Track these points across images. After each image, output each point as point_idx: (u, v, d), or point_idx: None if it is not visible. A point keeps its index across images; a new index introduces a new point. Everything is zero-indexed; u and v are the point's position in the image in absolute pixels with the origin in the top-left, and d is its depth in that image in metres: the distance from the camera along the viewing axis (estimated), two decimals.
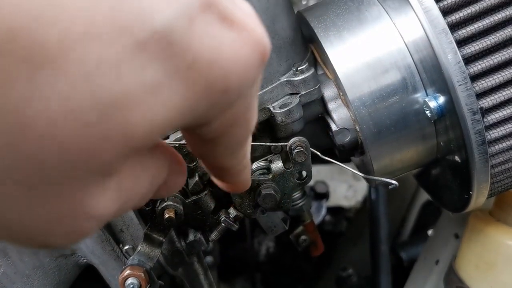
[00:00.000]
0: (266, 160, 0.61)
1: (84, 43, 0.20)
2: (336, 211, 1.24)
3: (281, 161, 0.59)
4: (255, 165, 0.61)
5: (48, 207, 0.23)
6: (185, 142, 0.54)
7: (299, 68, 0.58)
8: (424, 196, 1.17)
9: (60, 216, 0.23)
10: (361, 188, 1.31)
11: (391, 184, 0.56)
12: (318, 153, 0.60)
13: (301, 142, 0.57)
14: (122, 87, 0.21)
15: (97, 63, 0.20)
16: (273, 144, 0.59)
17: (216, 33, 0.23)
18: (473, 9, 0.52)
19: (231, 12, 0.24)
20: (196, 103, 0.24)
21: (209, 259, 1.03)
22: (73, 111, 0.20)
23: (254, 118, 0.30)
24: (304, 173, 0.60)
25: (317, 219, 1.12)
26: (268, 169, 0.60)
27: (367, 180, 0.66)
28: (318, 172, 1.26)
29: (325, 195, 1.15)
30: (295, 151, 0.57)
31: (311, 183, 1.18)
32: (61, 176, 0.22)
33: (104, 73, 0.20)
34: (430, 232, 1.07)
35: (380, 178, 0.59)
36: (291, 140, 0.57)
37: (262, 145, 0.60)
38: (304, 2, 1.08)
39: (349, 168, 0.60)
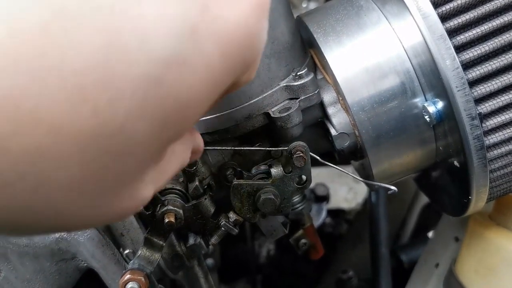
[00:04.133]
0: (265, 164, 0.61)
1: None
2: (336, 214, 1.24)
3: (281, 166, 0.59)
4: (254, 170, 0.61)
5: (115, 198, 0.27)
6: None
7: (298, 73, 0.58)
8: (424, 198, 1.17)
9: (121, 206, 0.28)
10: (361, 190, 1.32)
11: (390, 189, 0.56)
12: (318, 158, 0.60)
13: (300, 147, 0.58)
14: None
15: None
16: (273, 149, 0.59)
17: (229, 8, 0.28)
18: (471, 15, 0.52)
19: None
20: (229, 69, 0.29)
21: (209, 261, 1.03)
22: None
23: None
24: (303, 177, 0.61)
25: (317, 222, 1.12)
26: (267, 174, 0.60)
27: (367, 184, 0.66)
28: (318, 175, 1.26)
29: (325, 198, 1.15)
30: (295, 156, 0.57)
31: (311, 185, 1.18)
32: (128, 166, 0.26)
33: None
34: (430, 234, 1.07)
35: (379, 184, 0.59)
36: (291, 145, 0.58)
37: (262, 150, 0.60)
38: (304, 5, 1.09)
39: (349, 173, 0.61)
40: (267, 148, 0.59)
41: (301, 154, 0.57)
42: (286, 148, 0.58)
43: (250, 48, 0.29)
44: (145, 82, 0.24)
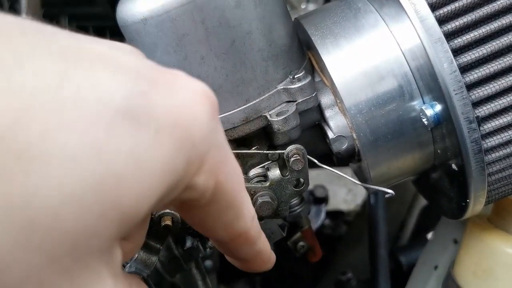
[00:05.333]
0: (263, 167, 0.61)
1: (62, 133, 0.22)
2: (335, 215, 1.24)
3: (278, 169, 0.59)
4: (252, 172, 0.61)
5: None
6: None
7: (296, 76, 0.58)
8: (423, 200, 1.16)
9: None
10: (360, 192, 1.32)
11: (388, 193, 0.56)
12: (315, 161, 0.60)
13: (298, 150, 0.57)
14: (105, 166, 0.23)
15: (78, 147, 0.22)
16: (270, 152, 0.59)
17: (171, 97, 0.27)
18: (469, 18, 0.52)
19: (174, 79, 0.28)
20: (173, 161, 0.26)
21: (208, 263, 1.03)
22: (71, 198, 0.22)
23: (237, 169, 0.33)
24: (301, 181, 0.60)
25: (316, 223, 1.12)
26: (265, 177, 0.60)
27: (365, 187, 0.66)
28: (318, 176, 1.26)
29: (324, 199, 1.15)
30: (292, 159, 0.57)
31: (310, 187, 1.18)
32: (72, 264, 0.23)
33: (88, 156, 0.23)
34: (429, 236, 1.07)
35: (377, 187, 0.59)
36: (288, 148, 0.57)
37: (259, 153, 0.60)
38: (303, 7, 1.09)
39: (347, 176, 0.60)
40: (264, 151, 0.59)
41: (299, 157, 0.57)
42: (283, 151, 0.58)
43: (191, 143, 0.27)
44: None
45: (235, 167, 0.32)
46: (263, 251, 0.40)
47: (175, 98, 0.27)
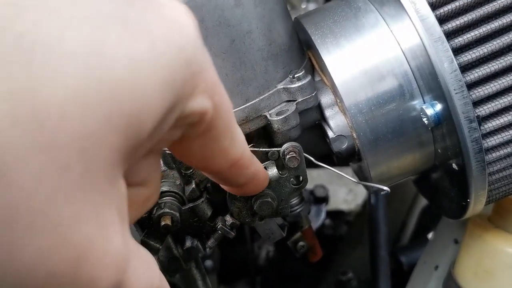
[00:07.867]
0: None
1: (57, 25, 0.22)
2: (335, 215, 1.23)
3: (275, 168, 0.59)
4: None
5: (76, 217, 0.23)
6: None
7: (296, 75, 0.58)
8: (424, 200, 1.16)
9: (86, 238, 0.24)
10: (361, 192, 1.31)
11: (383, 190, 0.56)
12: (312, 159, 0.59)
13: (293, 148, 0.57)
14: (105, 64, 0.23)
15: (76, 41, 0.23)
16: (266, 149, 0.59)
17: (160, 11, 0.27)
18: (469, 17, 0.52)
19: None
20: (171, 75, 0.26)
21: (208, 263, 1.03)
22: (76, 93, 0.22)
23: (226, 93, 0.33)
24: (300, 178, 0.60)
25: (316, 223, 1.11)
26: None
27: (364, 186, 0.66)
28: (318, 176, 1.26)
29: (324, 199, 1.15)
30: (288, 156, 0.57)
31: (311, 187, 1.18)
32: (81, 176, 0.23)
33: (86, 52, 0.23)
34: (430, 236, 1.06)
35: (372, 184, 0.59)
36: (284, 145, 0.57)
37: (257, 150, 0.59)
38: (303, 6, 1.08)
39: (344, 175, 0.60)
40: (263, 149, 0.59)
41: (294, 155, 0.56)
42: (280, 149, 0.57)
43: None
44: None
45: (224, 90, 0.33)
46: (259, 171, 0.42)
47: (164, 13, 0.27)
